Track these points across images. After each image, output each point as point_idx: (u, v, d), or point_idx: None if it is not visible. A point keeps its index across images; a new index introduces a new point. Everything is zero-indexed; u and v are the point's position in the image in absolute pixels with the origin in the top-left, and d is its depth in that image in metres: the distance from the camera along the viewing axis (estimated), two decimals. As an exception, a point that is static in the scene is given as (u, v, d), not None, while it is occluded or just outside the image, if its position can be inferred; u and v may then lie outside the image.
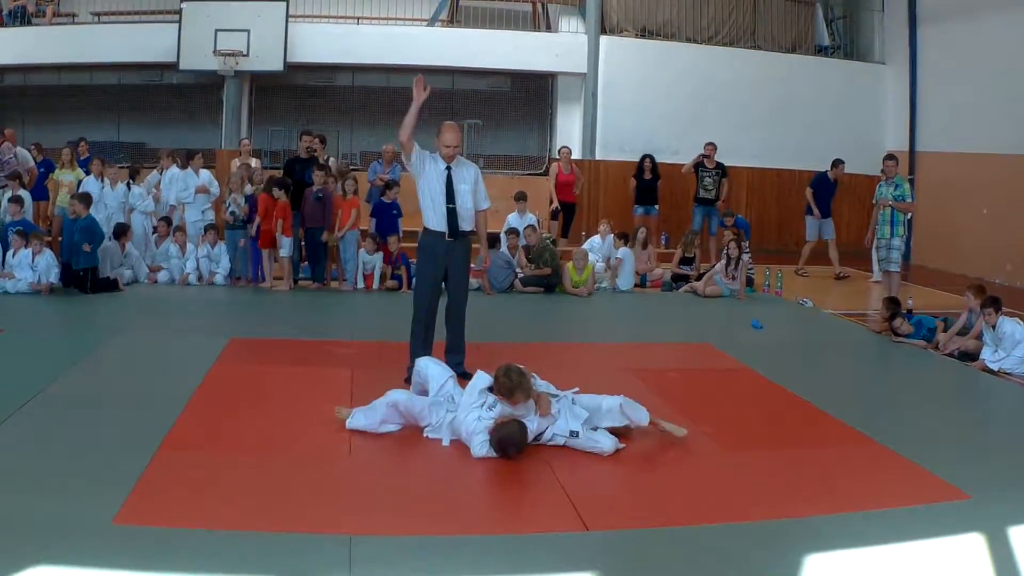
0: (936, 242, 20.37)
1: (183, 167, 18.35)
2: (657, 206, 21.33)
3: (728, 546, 6.36)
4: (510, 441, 7.77)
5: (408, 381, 9.98)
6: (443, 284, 10.44)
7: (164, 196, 18.14)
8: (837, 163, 20.43)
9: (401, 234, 16.79)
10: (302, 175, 16.86)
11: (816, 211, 20.33)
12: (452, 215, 10.11)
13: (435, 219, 10.16)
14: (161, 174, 18.33)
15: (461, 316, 10.53)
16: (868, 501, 7.10)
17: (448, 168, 10.09)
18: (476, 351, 10.50)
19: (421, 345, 10.28)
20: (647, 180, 21.21)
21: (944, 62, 22.76)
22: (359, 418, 8.49)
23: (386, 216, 17.03)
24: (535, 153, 25.76)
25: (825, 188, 20.42)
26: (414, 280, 11.09)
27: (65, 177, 17.63)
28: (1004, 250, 20.09)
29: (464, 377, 9.14)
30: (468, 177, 10.21)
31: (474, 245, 10.84)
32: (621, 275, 17.36)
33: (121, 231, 16.31)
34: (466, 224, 10.25)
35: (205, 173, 17.99)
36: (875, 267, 18.09)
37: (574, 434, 7.95)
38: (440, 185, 10.07)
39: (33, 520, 6.16)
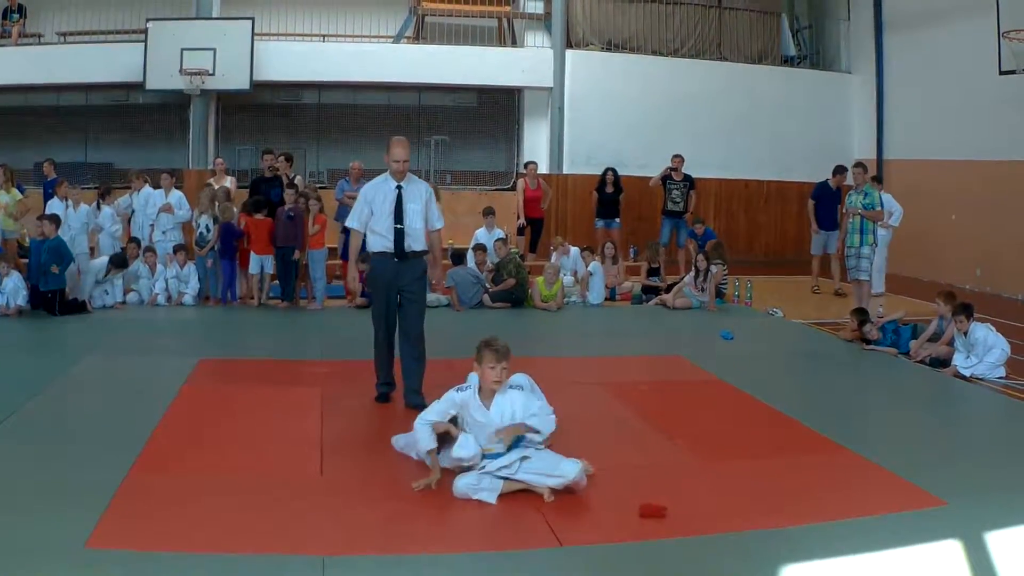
0: (905, 249, 20.43)
1: (155, 187, 18.19)
2: (618, 219, 21.29)
3: (703, 558, 6.35)
4: None
5: (378, 399, 10.02)
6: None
7: (139, 218, 18.02)
8: (839, 170, 19.50)
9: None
10: (268, 194, 16.85)
11: (814, 224, 19.52)
12: (400, 235, 9.91)
13: (382, 240, 9.96)
14: (132, 196, 18.17)
15: (416, 342, 10.13)
16: (844, 510, 7.11)
17: (399, 187, 9.93)
18: (448, 368, 10.24)
19: (385, 366, 10.25)
20: (609, 193, 21.18)
21: (910, 70, 22.95)
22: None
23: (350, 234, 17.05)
24: (503, 168, 25.79)
25: (828, 198, 19.50)
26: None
27: (1, 198, 17.36)
28: (973, 256, 20.23)
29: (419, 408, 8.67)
30: (418, 196, 10.02)
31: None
32: (592, 289, 17.35)
33: (119, 262, 16.37)
34: (416, 244, 10.03)
35: (175, 194, 17.86)
36: (874, 279, 17.36)
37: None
38: (389, 205, 9.90)
39: (4, 544, 6.11)
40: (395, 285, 10.03)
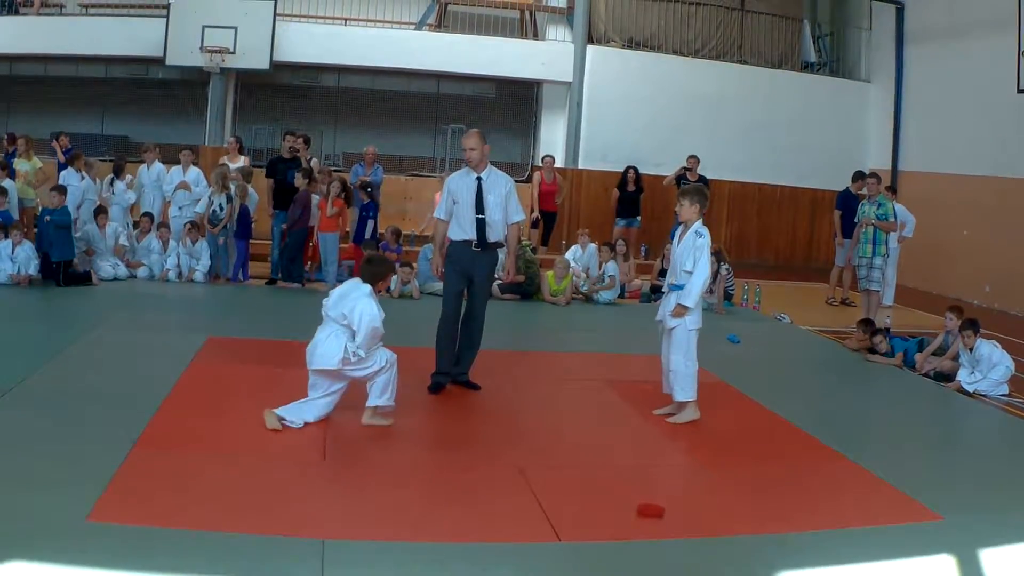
0: (916, 262, 20.40)
1: (165, 162, 18.24)
2: (639, 218, 21.32)
3: (699, 561, 6.38)
4: None
5: (432, 389, 10.20)
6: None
7: (149, 192, 18.08)
8: (859, 176, 18.67)
9: (375, 236, 17.02)
10: (284, 175, 16.93)
11: (839, 236, 18.83)
12: (481, 225, 10.22)
13: (463, 229, 10.28)
14: (149, 168, 18.22)
15: (476, 325, 10.57)
16: (840, 519, 7.14)
17: (479, 179, 10.25)
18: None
19: (446, 354, 10.40)
20: (630, 192, 21.21)
21: (929, 82, 22.93)
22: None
23: (359, 218, 17.32)
24: (518, 160, 25.82)
25: (853, 207, 17.96)
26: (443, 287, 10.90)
27: (22, 166, 17.43)
28: (983, 272, 20.21)
29: (467, 387, 10.23)
30: (499, 189, 10.33)
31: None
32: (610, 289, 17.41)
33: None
34: (494, 235, 10.35)
35: (193, 170, 17.92)
36: (884, 291, 17.35)
37: None
38: (470, 196, 10.21)
39: (6, 516, 6.13)
40: (468, 273, 10.38)
